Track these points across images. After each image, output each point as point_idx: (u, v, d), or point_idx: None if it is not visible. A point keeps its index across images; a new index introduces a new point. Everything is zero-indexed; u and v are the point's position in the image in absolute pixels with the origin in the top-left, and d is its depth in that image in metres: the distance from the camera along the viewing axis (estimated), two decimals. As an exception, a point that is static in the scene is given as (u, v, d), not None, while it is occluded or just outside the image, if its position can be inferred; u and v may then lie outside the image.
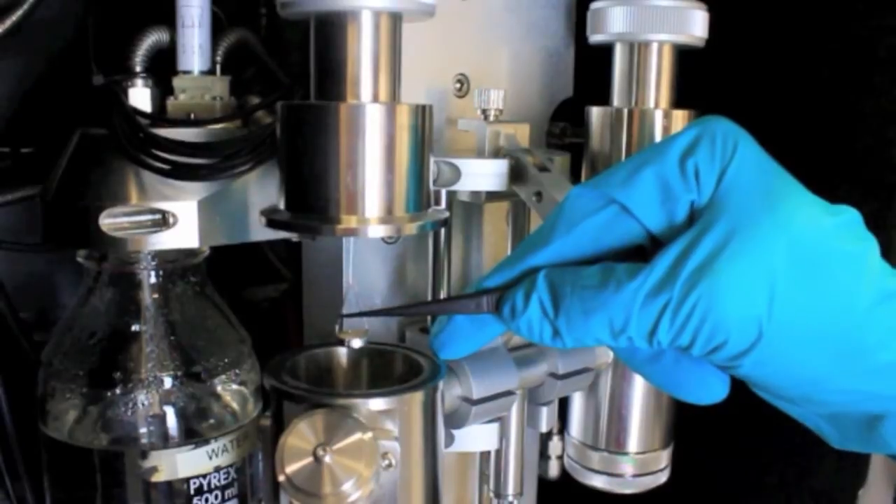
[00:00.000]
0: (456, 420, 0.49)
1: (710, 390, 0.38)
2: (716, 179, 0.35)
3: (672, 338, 0.34)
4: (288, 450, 0.38)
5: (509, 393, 0.50)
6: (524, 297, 0.37)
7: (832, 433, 0.38)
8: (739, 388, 0.38)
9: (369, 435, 0.39)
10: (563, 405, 0.59)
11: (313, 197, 0.40)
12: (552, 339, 0.37)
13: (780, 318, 0.33)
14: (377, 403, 0.41)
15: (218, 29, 0.56)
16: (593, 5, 0.53)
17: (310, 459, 0.38)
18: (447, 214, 0.44)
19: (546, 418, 0.55)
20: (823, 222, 0.35)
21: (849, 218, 0.35)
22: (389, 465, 0.40)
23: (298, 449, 0.38)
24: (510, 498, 0.53)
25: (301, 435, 0.39)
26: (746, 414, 0.48)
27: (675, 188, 0.35)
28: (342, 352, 0.47)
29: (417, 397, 0.42)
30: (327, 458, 0.38)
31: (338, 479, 0.38)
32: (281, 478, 0.38)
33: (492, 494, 0.54)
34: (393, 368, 0.48)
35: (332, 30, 0.40)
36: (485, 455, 0.56)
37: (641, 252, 0.37)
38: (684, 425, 0.57)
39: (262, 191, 0.50)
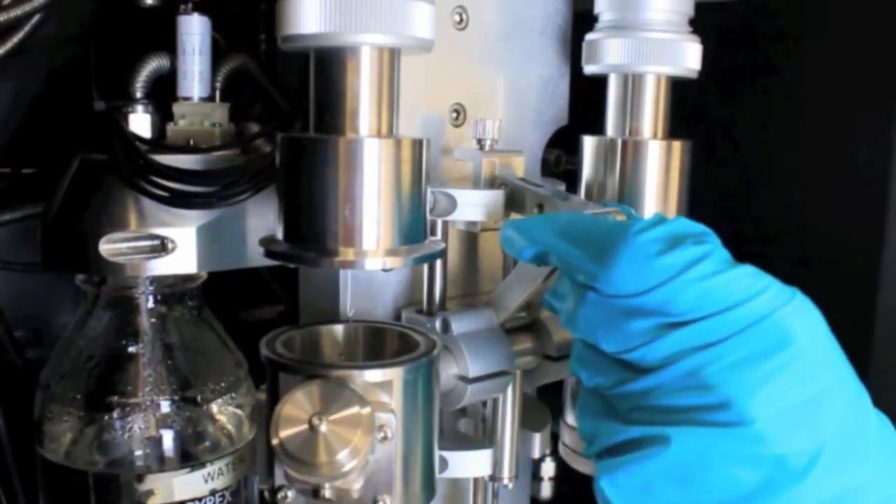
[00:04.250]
0: (452, 399, 0.49)
1: None
2: None
3: None
4: (283, 418, 0.38)
5: (505, 373, 0.50)
6: None
7: None
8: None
9: (366, 405, 0.38)
10: (557, 403, 0.58)
11: (311, 229, 0.40)
12: None
13: None
14: (373, 375, 0.40)
15: (218, 55, 0.56)
16: (588, 36, 0.54)
17: (305, 427, 0.38)
18: (443, 245, 0.45)
19: (539, 444, 0.55)
20: None
21: None
22: (385, 438, 0.40)
23: (294, 417, 0.38)
24: (502, 521, 0.54)
25: (297, 404, 0.38)
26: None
27: None
28: (338, 329, 0.47)
29: (414, 370, 0.42)
30: (323, 427, 0.37)
31: (333, 448, 0.37)
32: (274, 441, 0.38)
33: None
34: (389, 345, 0.47)
35: (331, 64, 0.40)
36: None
37: None
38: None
39: (260, 217, 0.51)
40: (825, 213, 0.58)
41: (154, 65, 0.54)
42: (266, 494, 0.43)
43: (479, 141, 0.51)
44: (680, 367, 0.36)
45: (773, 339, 0.35)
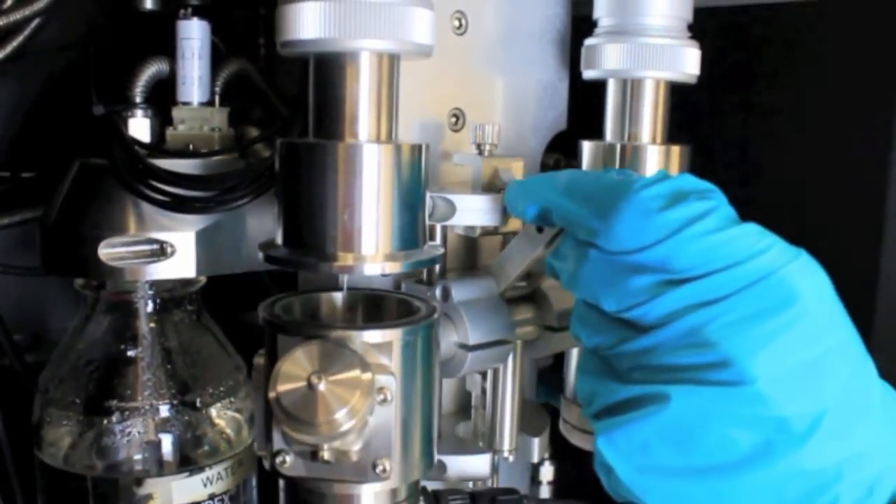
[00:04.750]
0: (452, 367, 0.49)
1: None
2: None
3: None
4: (282, 374, 0.37)
5: (505, 342, 0.50)
6: None
7: None
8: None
9: (367, 368, 0.38)
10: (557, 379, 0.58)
11: (310, 234, 0.40)
12: None
13: None
14: (372, 336, 0.40)
15: (217, 59, 0.56)
16: (587, 41, 0.54)
17: (303, 384, 0.37)
18: (442, 251, 0.45)
19: (538, 448, 0.55)
20: None
21: None
22: (385, 400, 0.39)
23: (293, 374, 0.37)
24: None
25: (297, 362, 0.37)
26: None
27: None
28: (338, 296, 0.46)
29: (413, 332, 0.41)
30: (321, 386, 0.36)
31: (330, 407, 0.36)
32: (272, 395, 0.37)
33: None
34: (388, 312, 0.47)
35: (330, 70, 0.40)
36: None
37: None
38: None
39: (259, 221, 0.51)
40: (825, 215, 0.58)
41: (153, 69, 0.54)
42: (264, 462, 0.42)
43: (478, 146, 0.51)
44: (681, 324, 0.35)
45: (778, 298, 0.34)
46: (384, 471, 0.40)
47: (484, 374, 0.53)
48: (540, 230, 0.46)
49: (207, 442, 0.52)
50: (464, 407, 0.58)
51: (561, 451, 0.61)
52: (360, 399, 0.37)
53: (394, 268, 0.41)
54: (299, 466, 0.40)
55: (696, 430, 0.35)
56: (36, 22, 0.54)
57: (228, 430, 0.54)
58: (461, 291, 0.49)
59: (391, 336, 0.40)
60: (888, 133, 0.55)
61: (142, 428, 0.51)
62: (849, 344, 0.36)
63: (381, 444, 0.40)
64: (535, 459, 0.56)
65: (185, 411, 0.52)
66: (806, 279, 0.35)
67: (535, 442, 0.55)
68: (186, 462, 0.51)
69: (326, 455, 0.38)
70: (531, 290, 0.53)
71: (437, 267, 0.51)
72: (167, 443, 0.51)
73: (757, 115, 0.61)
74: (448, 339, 0.48)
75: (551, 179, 0.41)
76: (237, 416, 0.54)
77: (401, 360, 0.41)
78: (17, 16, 0.53)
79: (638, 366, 0.37)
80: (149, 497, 0.50)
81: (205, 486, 0.51)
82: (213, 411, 0.53)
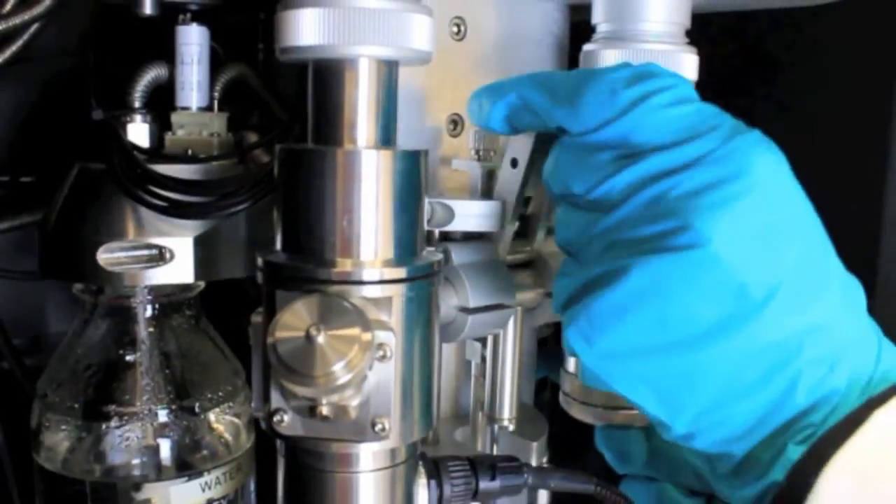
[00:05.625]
0: (453, 331, 0.48)
1: None
2: None
3: None
4: (281, 324, 0.36)
5: (505, 306, 0.49)
6: None
7: None
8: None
9: (366, 321, 0.37)
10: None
11: (309, 239, 0.40)
12: None
13: None
14: (372, 290, 0.39)
15: (216, 64, 0.56)
16: (585, 47, 0.54)
17: (301, 335, 0.36)
18: (441, 256, 0.45)
19: (536, 453, 0.55)
20: None
21: None
22: (384, 356, 0.39)
23: (292, 325, 0.37)
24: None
25: (296, 314, 0.37)
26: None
27: None
28: None
29: (414, 288, 0.41)
30: (320, 338, 0.36)
31: (328, 359, 0.36)
32: (269, 340, 0.36)
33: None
34: None
35: (329, 76, 0.40)
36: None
37: None
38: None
39: (258, 226, 0.51)
40: (823, 217, 0.58)
41: (152, 74, 0.55)
42: (262, 423, 0.41)
43: (477, 151, 0.51)
44: (641, 196, 0.36)
45: (732, 168, 0.36)
46: (383, 429, 0.39)
47: (483, 342, 0.53)
48: (514, 164, 0.47)
49: (206, 446, 0.52)
50: (462, 412, 0.59)
51: (560, 454, 0.61)
52: (359, 353, 0.36)
53: (392, 273, 0.41)
54: (297, 425, 0.39)
55: (657, 302, 0.35)
56: (35, 26, 0.54)
57: (227, 435, 0.54)
58: (461, 254, 0.49)
59: (391, 291, 0.40)
60: (887, 136, 0.55)
61: (140, 433, 0.51)
62: (805, 219, 0.37)
63: (380, 401, 0.39)
64: (534, 463, 0.56)
65: (184, 416, 0.52)
66: (760, 152, 0.37)
67: (534, 446, 0.55)
68: (185, 467, 0.51)
69: (325, 410, 0.38)
70: (531, 257, 0.53)
71: (437, 231, 0.51)
72: (165, 447, 0.51)
73: (755, 119, 0.61)
74: (448, 303, 0.48)
75: (521, 77, 0.43)
76: (236, 420, 0.54)
77: (401, 316, 0.40)
78: (16, 20, 0.53)
79: (605, 247, 0.38)
80: (147, 502, 0.50)
81: (203, 490, 0.51)
82: (212, 416, 0.53)
